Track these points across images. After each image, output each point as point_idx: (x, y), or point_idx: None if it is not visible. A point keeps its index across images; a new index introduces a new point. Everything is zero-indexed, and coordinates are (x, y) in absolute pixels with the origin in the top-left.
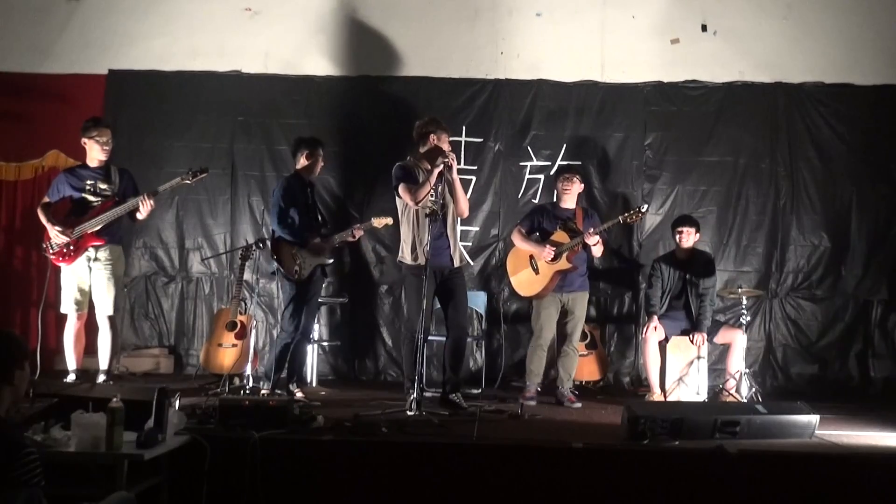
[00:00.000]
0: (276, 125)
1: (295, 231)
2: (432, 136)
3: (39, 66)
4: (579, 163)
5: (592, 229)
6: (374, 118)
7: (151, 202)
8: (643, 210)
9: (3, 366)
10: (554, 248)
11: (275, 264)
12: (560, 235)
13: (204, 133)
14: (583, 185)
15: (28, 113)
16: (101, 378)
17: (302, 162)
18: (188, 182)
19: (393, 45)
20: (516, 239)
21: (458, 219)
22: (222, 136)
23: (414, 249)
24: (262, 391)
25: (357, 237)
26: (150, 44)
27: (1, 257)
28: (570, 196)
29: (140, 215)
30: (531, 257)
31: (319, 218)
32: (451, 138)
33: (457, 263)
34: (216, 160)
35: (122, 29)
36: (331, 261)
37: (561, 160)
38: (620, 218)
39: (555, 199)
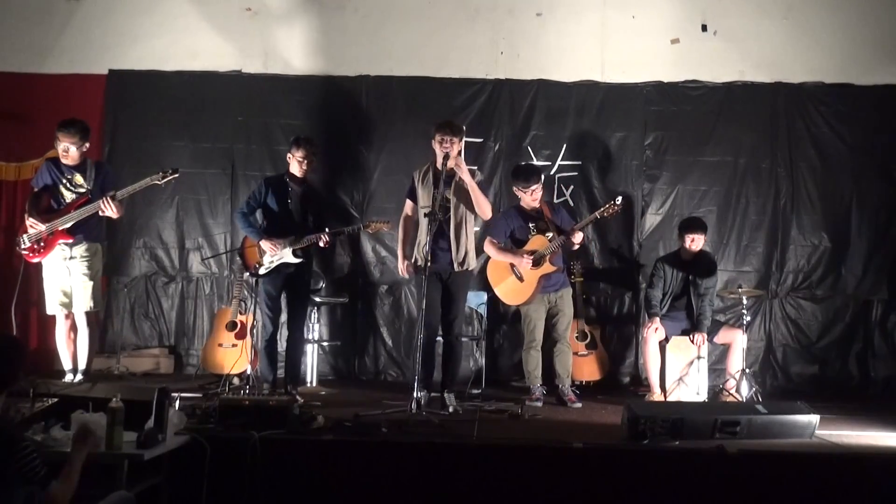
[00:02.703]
0: (276, 125)
1: (252, 228)
2: (432, 141)
3: (39, 66)
4: (579, 162)
5: (574, 227)
6: (374, 118)
7: (113, 205)
8: (618, 203)
9: (11, 369)
10: (532, 256)
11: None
12: (537, 240)
13: (204, 133)
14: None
15: (28, 113)
16: (79, 378)
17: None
18: (158, 183)
19: (393, 45)
20: (491, 251)
21: (470, 221)
22: (222, 136)
23: (419, 252)
24: (263, 391)
25: (325, 243)
26: (150, 44)
27: (1, 257)
28: (538, 200)
29: (112, 216)
30: (512, 265)
31: (297, 220)
32: (448, 137)
33: (457, 267)
34: (216, 160)
35: (122, 29)
36: (296, 260)
37: (561, 160)
38: (597, 213)
39: (520, 202)
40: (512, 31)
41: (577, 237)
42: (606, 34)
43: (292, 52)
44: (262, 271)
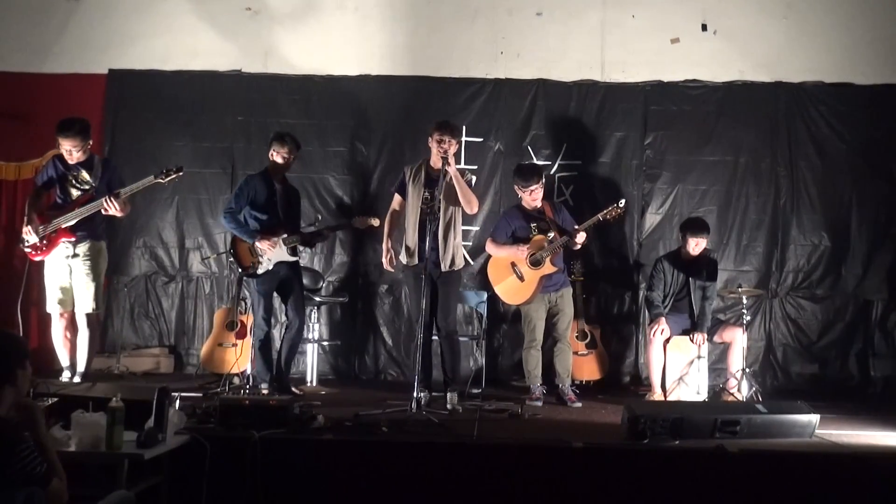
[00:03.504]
0: (276, 125)
1: (243, 228)
2: (429, 139)
3: (39, 66)
4: (579, 162)
5: (577, 228)
6: (373, 118)
7: (116, 204)
8: (621, 206)
9: (5, 366)
10: (530, 249)
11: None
12: (538, 240)
13: (204, 133)
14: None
15: (28, 113)
16: (77, 380)
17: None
18: (161, 181)
19: (392, 44)
20: (491, 248)
21: (458, 220)
22: (222, 136)
23: (406, 250)
24: (262, 391)
25: (322, 240)
26: (150, 44)
27: (1, 257)
28: (538, 200)
29: (115, 214)
30: (513, 264)
31: (284, 217)
32: (447, 137)
33: (444, 267)
34: (216, 160)
35: (122, 29)
36: (293, 259)
37: (561, 160)
38: (600, 215)
39: (521, 203)
40: (512, 31)
41: (580, 238)
42: (606, 34)
43: (292, 52)
44: (259, 271)
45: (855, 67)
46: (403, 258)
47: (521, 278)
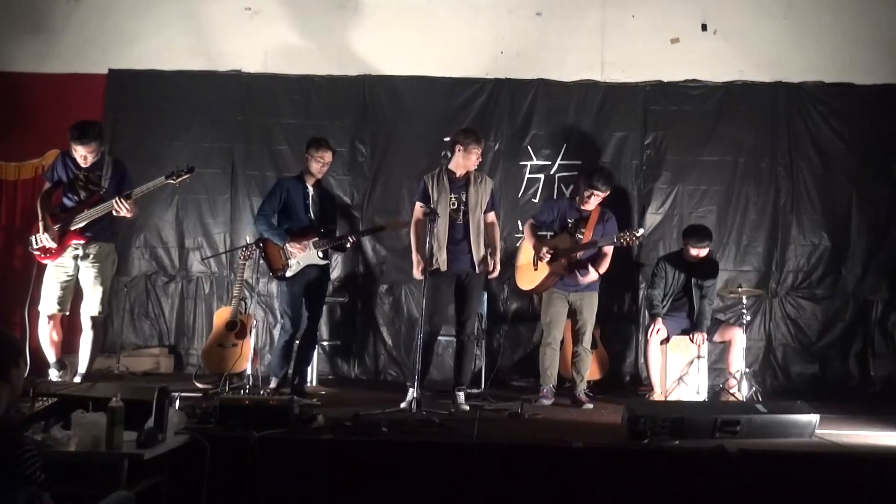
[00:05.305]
0: (276, 125)
1: (275, 230)
2: (458, 147)
3: (39, 66)
4: (579, 162)
5: (581, 242)
6: (374, 118)
7: (127, 204)
8: (637, 235)
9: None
10: (551, 252)
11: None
12: (563, 239)
13: (204, 133)
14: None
15: (28, 113)
16: (78, 380)
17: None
18: (172, 182)
19: (392, 44)
20: (525, 231)
21: (482, 223)
22: (222, 136)
23: (430, 253)
24: (266, 390)
25: (351, 244)
26: (150, 44)
27: (1, 257)
28: (591, 205)
29: (126, 216)
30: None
31: (316, 221)
32: (480, 147)
33: (477, 269)
34: (216, 160)
35: (122, 29)
36: (323, 262)
37: (561, 160)
38: (615, 238)
39: (577, 199)
40: (512, 31)
41: (584, 252)
42: (606, 34)
43: (292, 52)
44: (289, 273)
45: (855, 67)
46: (441, 264)
47: (535, 266)
